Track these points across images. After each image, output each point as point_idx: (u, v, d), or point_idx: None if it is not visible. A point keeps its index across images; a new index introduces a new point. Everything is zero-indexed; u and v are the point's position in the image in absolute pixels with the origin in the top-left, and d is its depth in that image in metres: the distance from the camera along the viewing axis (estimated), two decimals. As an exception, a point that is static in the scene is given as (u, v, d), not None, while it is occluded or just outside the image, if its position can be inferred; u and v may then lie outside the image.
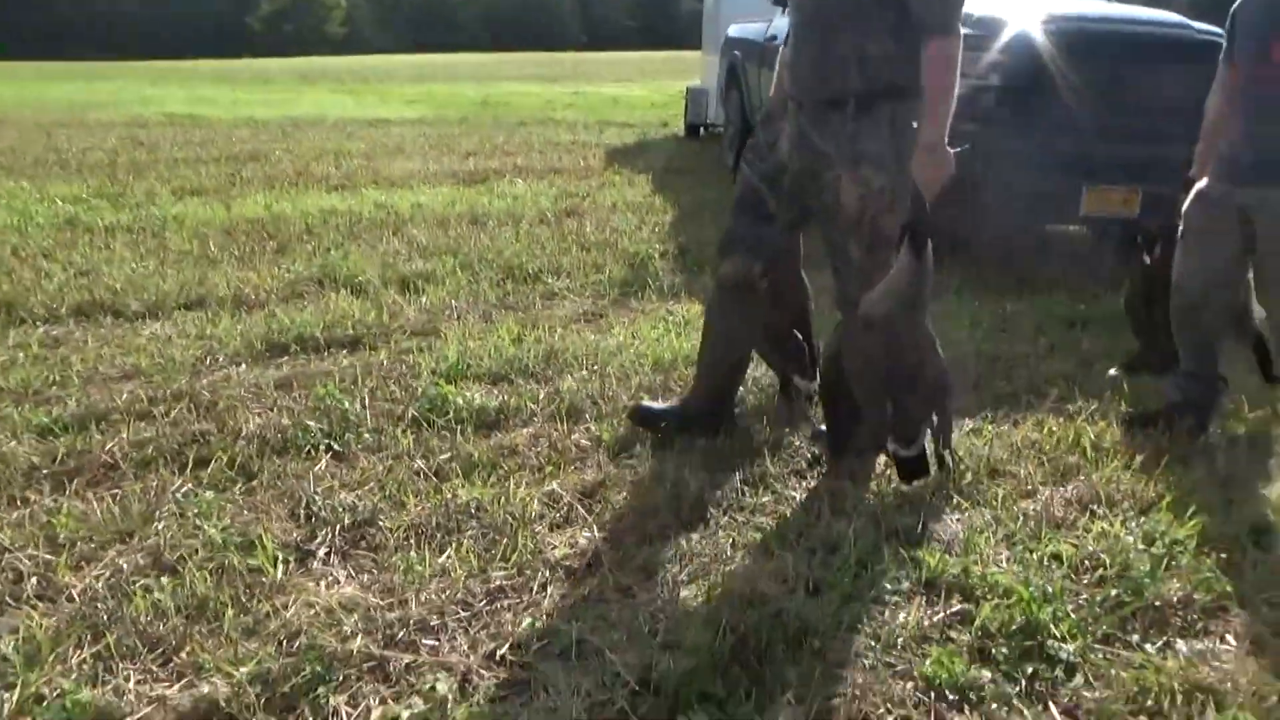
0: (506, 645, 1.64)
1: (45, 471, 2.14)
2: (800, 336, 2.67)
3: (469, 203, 5.61)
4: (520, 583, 1.83)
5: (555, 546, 1.95)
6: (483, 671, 1.58)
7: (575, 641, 1.65)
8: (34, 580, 1.73)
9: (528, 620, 1.71)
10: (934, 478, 2.27)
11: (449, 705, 1.48)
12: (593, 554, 1.93)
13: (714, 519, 2.11)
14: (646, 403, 2.54)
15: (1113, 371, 3.01)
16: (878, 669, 1.63)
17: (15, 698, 1.43)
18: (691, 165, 7.42)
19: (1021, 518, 2.14)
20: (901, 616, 1.76)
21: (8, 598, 1.70)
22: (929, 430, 2.27)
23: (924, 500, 2.21)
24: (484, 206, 5.53)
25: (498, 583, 1.82)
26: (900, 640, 1.70)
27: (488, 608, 1.75)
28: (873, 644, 1.69)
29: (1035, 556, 1.97)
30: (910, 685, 1.60)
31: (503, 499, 2.11)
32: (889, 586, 1.86)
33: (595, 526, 2.05)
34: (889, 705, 1.54)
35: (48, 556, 1.81)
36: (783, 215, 2.34)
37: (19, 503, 2.01)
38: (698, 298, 3.62)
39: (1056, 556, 1.98)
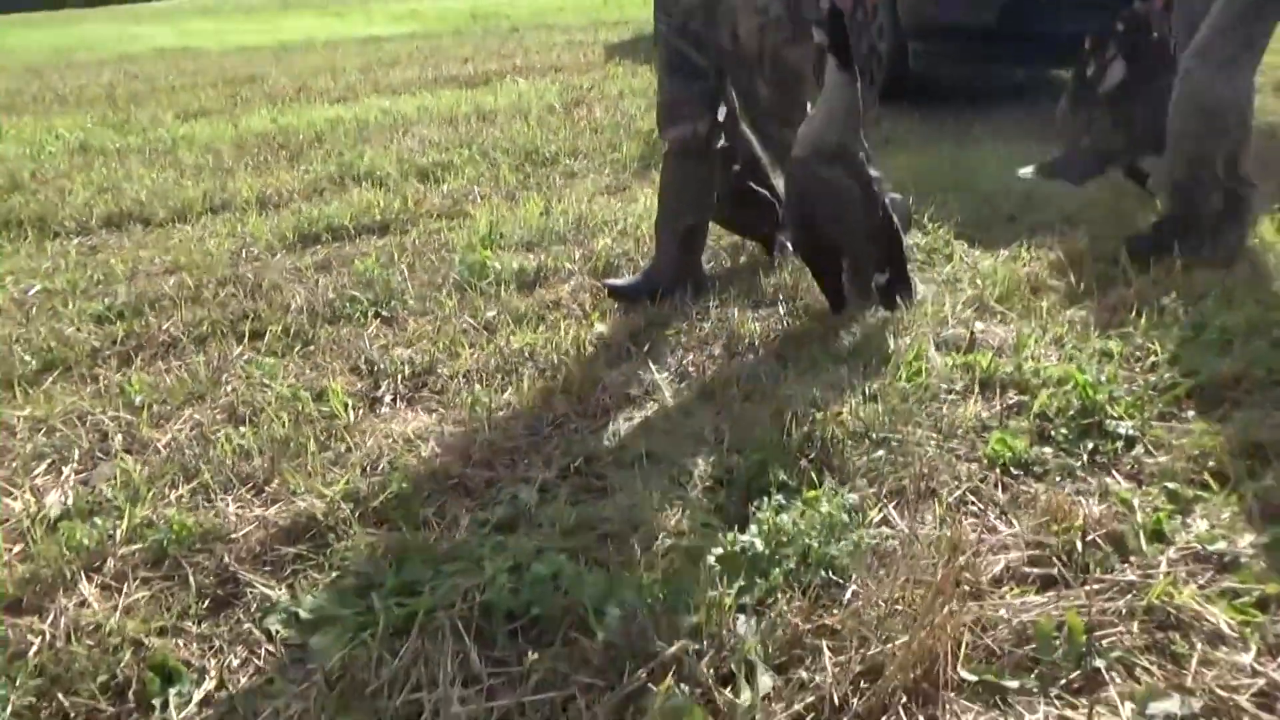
0: (579, 460, 1.70)
1: (108, 352, 2.20)
2: (762, 189, 2.58)
3: (474, 102, 5.55)
4: (583, 410, 1.89)
5: (612, 378, 2.00)
6: (559, 481, 1.64)
7: (645, 453, 1.70)
8: (119, 437, 1.80)
9: (596, 440, 1.77)
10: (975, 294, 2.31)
11: (532, 510, 1.55)
12: (650, 383, 1.98)
13: (764, 346, 2.16)
14: (613, 280, 2.47)
15: (1026, 171, 3.01)
16: (942, 453, 1.68)
17: (124, 526, 1.50)
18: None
19: (1068, 323, 2.18)
20: (960, 411, 1.81)
21: (97, 452, 1.77)
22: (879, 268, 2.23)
23: (970, 316, 2.24)
24: (490, 104, 5.47)
25: (562, 411, 1.88)
26: (960, 430, 1.75)
27: (555, 432, 1.81)
28: (934, 435, 1.74)
29: (1086, 353, 2.01)
30: (975, 465, 1.65)
31: (554, 343, 2.16)
32: (944, 387, 1.91)
33: (649, 359, 2.10)
34: (957, 481, 1.60)
35: (128, 417, 1.87)
36: (708, 64, 2.26)
37: (89, 379, 2.08)
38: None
39: (1106, 353, 2.02)
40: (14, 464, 1.74)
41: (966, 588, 1.31)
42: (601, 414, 1.88)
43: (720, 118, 2.32)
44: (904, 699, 1.14)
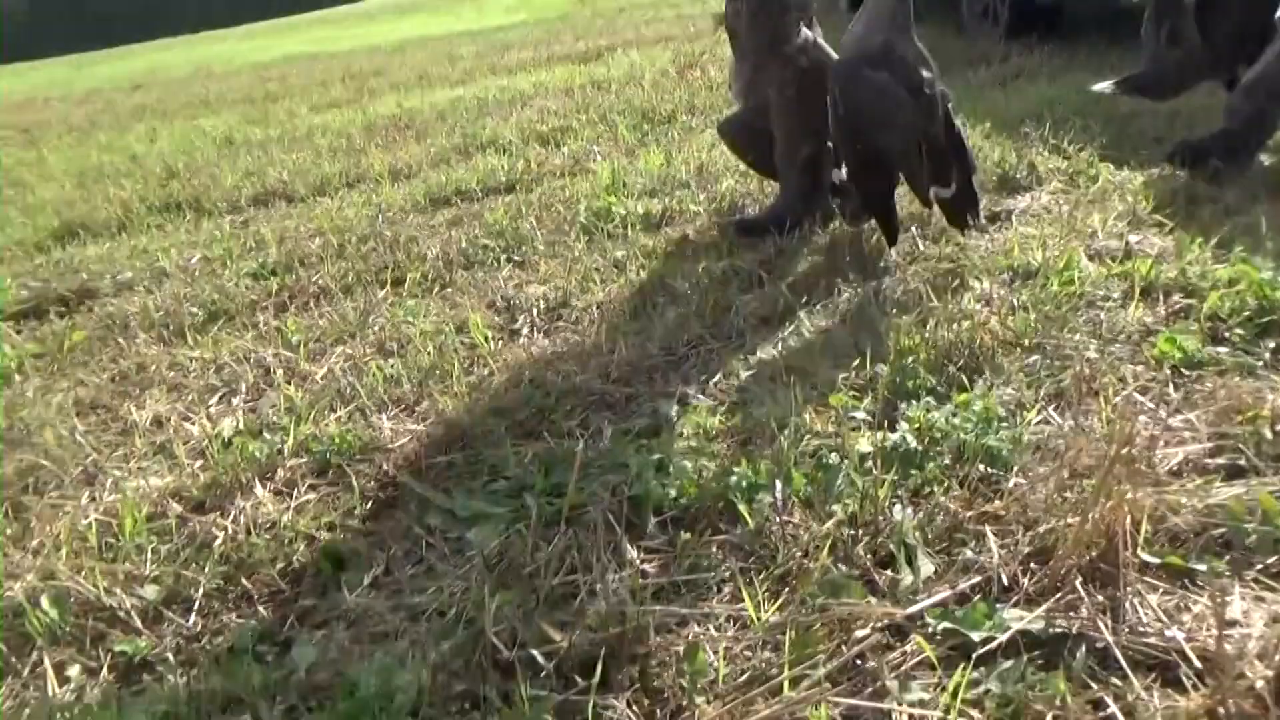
0: (717, 376, 1.70)
1: (266, 303, 2.33)
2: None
3: (588, 75, 5.62)
4: (718, 333, 1.88)
5: (746, 303, 1.98)
6: (699, 396, 1.64)
7: (784, 368, 1.68)
8: (280, 371, 1.91)
9: (733, 358, 1.76)
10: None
11: (673, 420, 1.55)
12: (784, 306, 1.96)
13: (899, 268, 2.10)
14: (738, 216, 2.48)
15: (1103, 86, 2.80)
16: (1104, 357, 1.59)
17: (291, 442, 1.59)
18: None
19: (1232, 225, 2.02)
20: (1120, 316, 1.71)
21: (262, 384, 1.89)
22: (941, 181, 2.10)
23: (1123, 228, 2.11)
24: (604, 75, 5.52)
25: (697, 333, 1.88)
26: (1123, 334, 1.66)
27: (691, 353, 1.81)
28: (1093, 341, 1.65)
29: (1259, 255, 1.86)
30: (1141, 368, 1.56)
31: (685, 273, 2.16)
32: (1100, 294, 1.81)
33: (782, 285, 2.07)
34: (1122, 382, 1.51)
35: (287, 354, 1.98)
36: None
37: (250, 325, 2.21)
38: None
39: (1281, 254, 1.87)
40: (189, 397, 1.86)
41: (1143, 476, 1.23)
42: (737, 336, 1.87)
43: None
44: (1079, 579, 1.09)
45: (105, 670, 1.15)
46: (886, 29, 2.04)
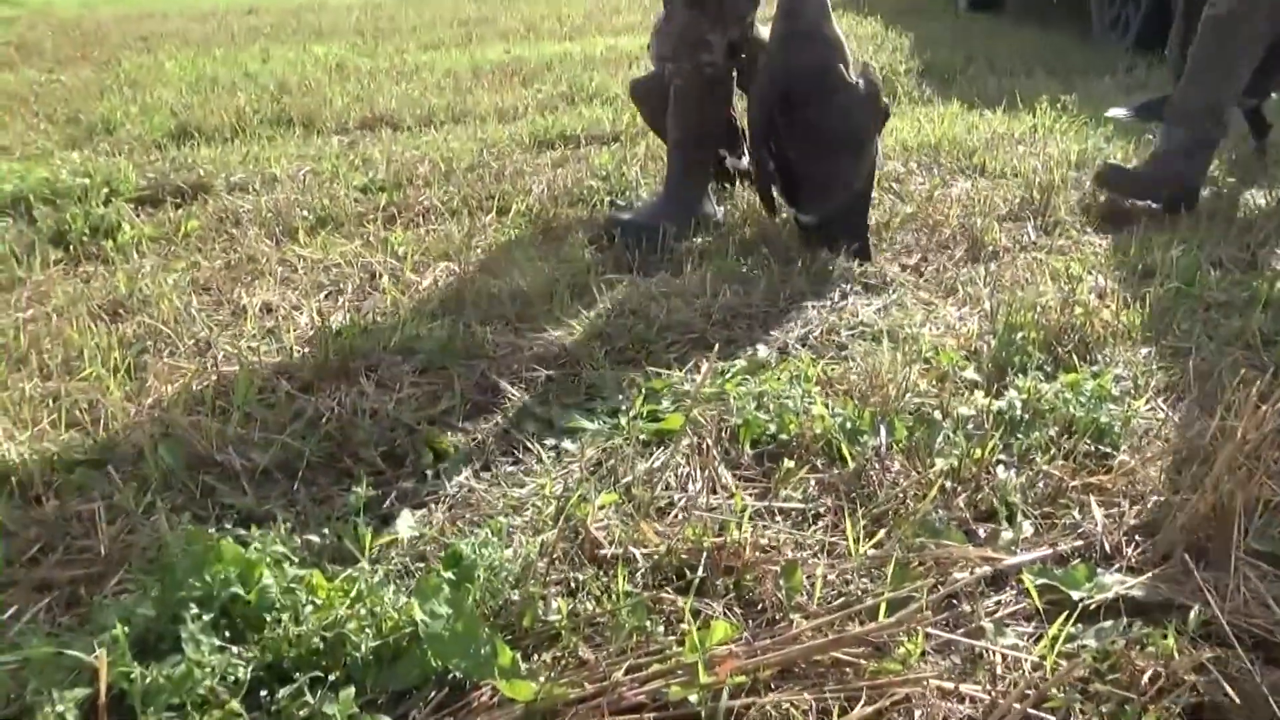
0: (818, 330, 1.70)
1: (373, 215, 2.39)
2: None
3: (697, 43, 5.59)
4: (821, 292, 1.88)
5: (851, 268, 1.98)
6: (798, 346, 1.65)
7: (886, 330, 1.68)
8: (386, 277, 1.96)
9: (834, 317, 1.76)
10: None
11: (773, 364, 1.56)
12: (891, 274, 1.95)
13: (1008, 253, 2.07)
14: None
15: (1117, 111, 2.72)
16: (1222, 356, 1.55)
17: (397, 337, 1.64)
18: (913, 3, 7.03)
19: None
20: (1241, 323, 1.67)
21: (368, 286, 1.94)
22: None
23: (1250, 240, 2.05)
24: (713, 45, 5.50)
25: (801, 289, 1.88)
26: (1245, 339, 1.62)
27: (792, 306, 1.82)
28: (1210, 342, 1.61)
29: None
30: (1256, 371, 1.52)
31: (792, 233, 2.16)
32: (1222, 299, 1.77)
33: (889, 253, 2.06)
34: (1243, 383, 1.47)
35: (393, 263, 2.04)
36: None
37: (358, 235, 2.27)
38: (948, 100, 3.51)
39: None
40: (298, 290, 1.93)
41: (1262, 465, 1.21)
42: (840, 297, 1.87)
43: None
44: (1186, 555, 1.07)
45: (213, 520, 1.21)
46: (817, 13, 1.97)
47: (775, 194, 2.12)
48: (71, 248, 2.18)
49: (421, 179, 2.71)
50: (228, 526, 1.16)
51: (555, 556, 1.08)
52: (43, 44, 6.32)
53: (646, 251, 2.07)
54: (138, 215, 2.42)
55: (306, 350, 1.64)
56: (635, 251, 2.06)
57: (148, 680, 0.83)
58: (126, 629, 0.88)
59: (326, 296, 1.92)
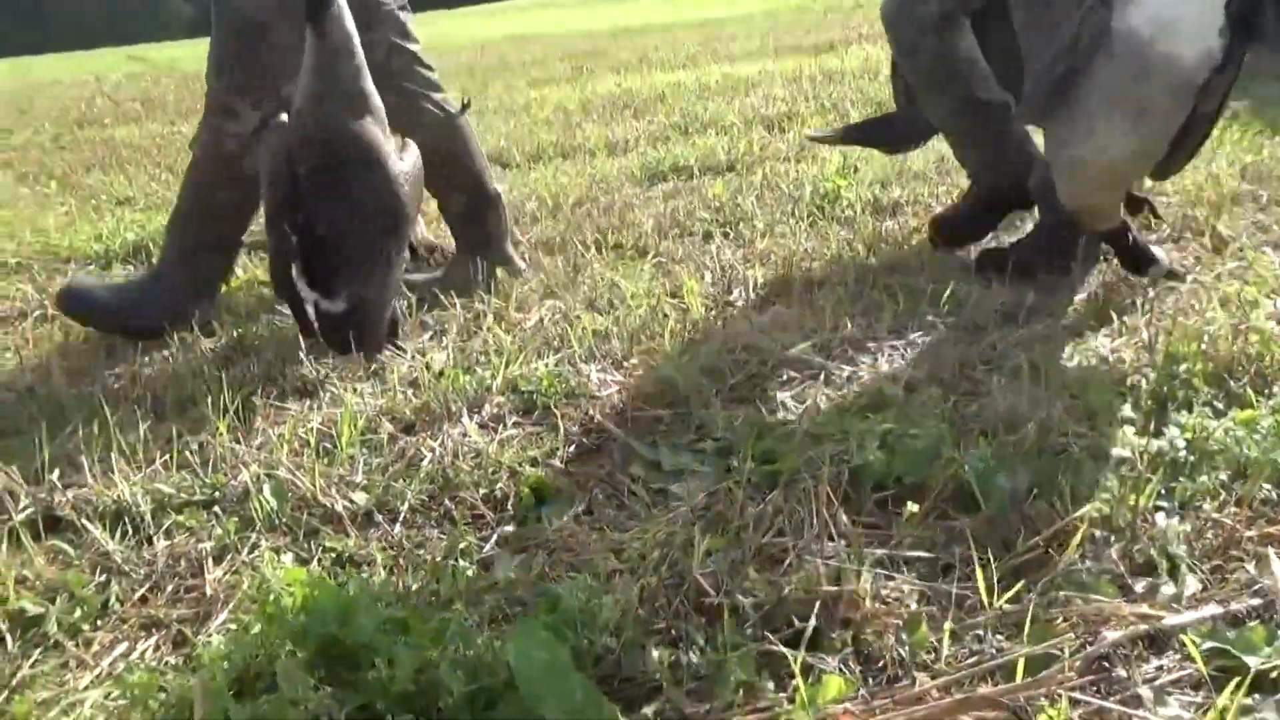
0: (951, 364, 1.66)
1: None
2: None
3: (819, 66, 5.62)
4: (955, 323, 1.84)
5: (989, 297, 1.93)
6: (927, 382, 1.61)
7: (1028, 364, 1.62)
8: (490, 316, 2.03)
9: (970, 349, 1.72)
10: None
11: (900, 400, 1.54)
12: (1032, 302, 1.89)
13: (1171, 283, 1.98)
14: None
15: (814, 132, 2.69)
16: None
17: (499, 379, 1.70)
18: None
19: None
20: None
21: (471, 326, 2.02)
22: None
23: None
24: (836, 66, 5.51)
25: (930, 320, 1.85)
26: None
27: (924, 339, 1.79)
28: None
29: None
30: None
31: (920, 263, 2.13)
32: None
33: (1028, 281, 2.01)
34: None
35: (497, 301, 2.11)
36: None
37: (462, 273, 2.36)
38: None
39: None
40: (402, 330, 2.02)
41: None
42: (974, 328, 1.82)
43: None
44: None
45: (315, 562, 1.27)
46: (353, 72, 1.82)
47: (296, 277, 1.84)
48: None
49: (529, 215, 2.81)
50: (327, 566, 1.22)
51: (658, 604, 1.08)
52: (166, 97, 6.88)
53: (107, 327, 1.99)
54: (251, 259, 2.58)
55: (410, 391, 1.71)
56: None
57: (242, 717, 0.88)
58: (225, 665, 0.93)
59: (430, 337, 2.00)
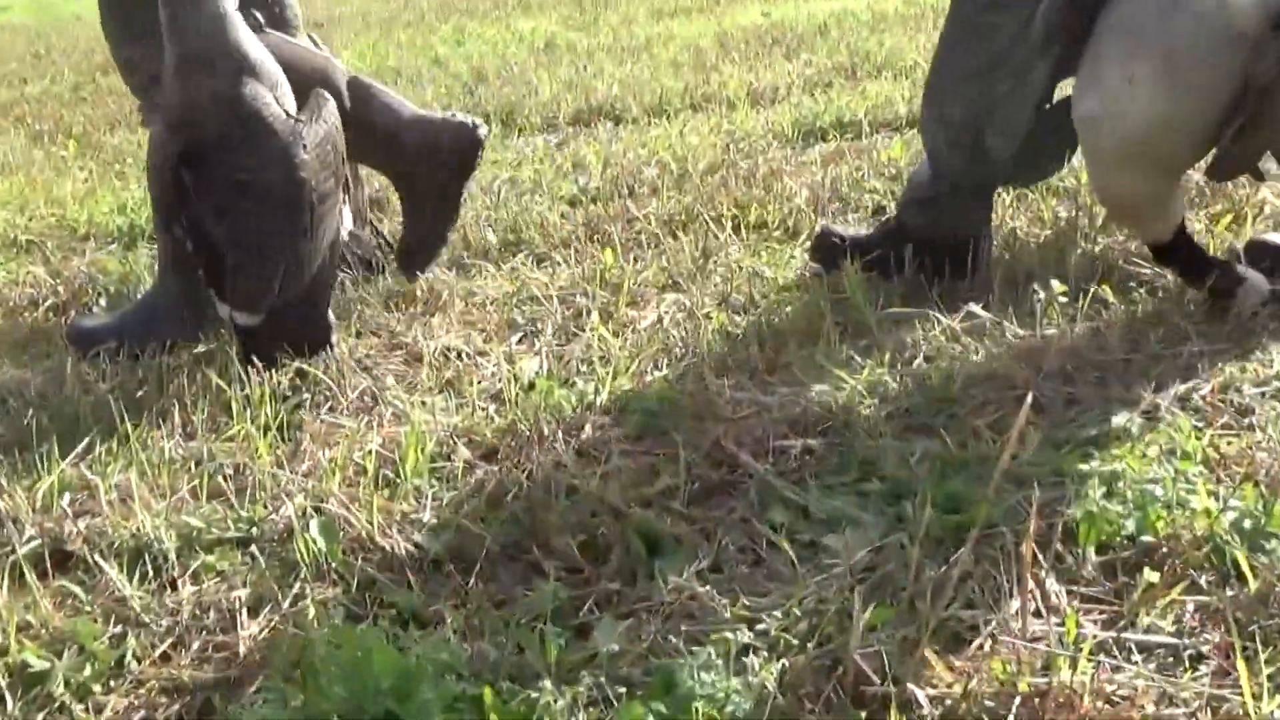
0: (1206, 386, 1.62)
1: (581, 234, 2.54)
2: None
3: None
4: (1214, 333, 1.79)
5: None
6: (1175, 407, 1.58)
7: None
8: (596, 314, 2.07)
9: (1232, 365, 1.67)
10: None
11: (1135, 434, 1.50)
12: None
13: None
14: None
15: None
16: None
17: (604, 396, 1.73)
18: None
19: None
20: None
21: (572, 326, 2.06)
22: None
23: None
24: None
25: (1181, 329, 1.81)
26: None
27: (1169, 353, 1.74)
28: None
29: None
30: None
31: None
32: None
33: None
34: None
35: (605, 295, 2.15)
36: None
37: (561, 260, 2.42)
38: None
39: None
40: (485, 331, 2.08)
41: None
42: (1240, 339, 1.76)
43: None
44: None
45: (370, 618, 1.32)
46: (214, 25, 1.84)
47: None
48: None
49: (647, 185, 2.86)
50: (385, 625, 1.26)
51: (804, 691, 1.08)
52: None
53: None
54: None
55: (492, 408, 1.77)
56: (937, 278, 2.05)
57: (281, 809, 0.92)
58: (261, 744, 0.98)
59: (520, 340, 2.05)
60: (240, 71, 1.84)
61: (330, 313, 2.01)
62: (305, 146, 1.86)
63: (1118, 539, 1.28)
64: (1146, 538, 1.27)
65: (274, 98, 1.87)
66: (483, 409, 1.76)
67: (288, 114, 1.88)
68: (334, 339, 1.98)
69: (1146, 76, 1.64)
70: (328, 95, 1.97)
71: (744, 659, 1.14)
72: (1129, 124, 1.68)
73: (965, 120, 1.95)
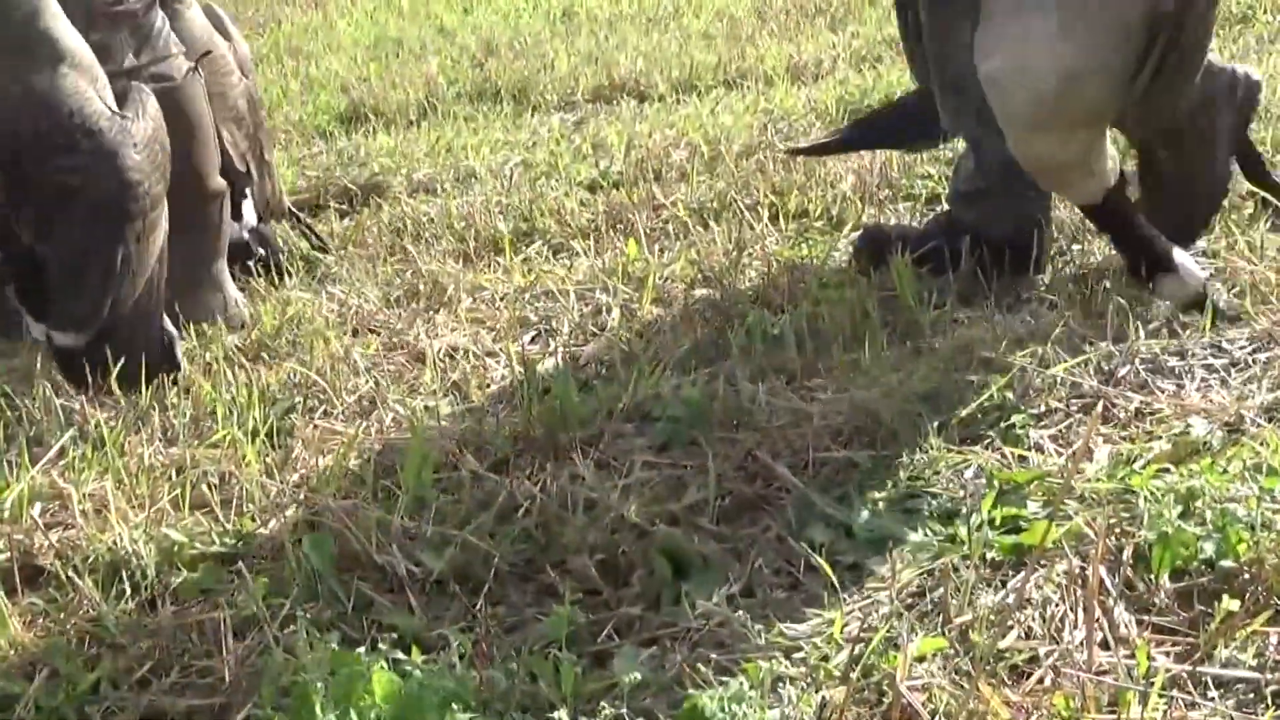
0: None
1: (601, 223, 2.57)
2: None
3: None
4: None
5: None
6: (1261, 418, 1.58)
7: None
8: (616, 312, 2.10)
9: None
10: None
11: (1218, 448, 1.50)
12: None
13: None
14: None
15: None
16: None
17: (626, 400, 1.75)
18: None
19: None
20: None
21: (590, 324, 2.08)
22: None
23: None
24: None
25: (1267, 329, 1.80)
26: None
27: (1256, 355, 1.75)
28: None
29: None
30: None
31: (1253, 243, 2.08)
32: None
33: None
34: None
35: (628, 290, 2.17)
36: None
37: (579, 250, 2.44)
38: None
39: None
40: (495, 329, 2.10)
41: None
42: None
43: None
44: None
45: (367, 642, 1.34)
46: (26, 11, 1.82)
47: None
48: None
49: (675, 169, 2.88)
50: (384, 650, 1.28)
51: (846, 727, 1.10)
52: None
53: None
54: (293, 227, 2.73)
55: (502, 413, 1.78)
56: (994, 272, 2.06)
57: (271, 846, 0.94)
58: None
59: (533, 339, 2.07)
60: (58, 60, 1.83)
61: (169, 324, 1.99)
62: (135, 146, 1.85)
63: (1194, 563, 1.28)
64: (1226, 562, 1.27)
65: (95, 92, 1.86)
66: (491, 415, 1.77)
67: (111, 110, 1.87)
68: (178, 355, 1.97)
69: (1046, 28, 1.64)
70: (148, 91, 1.96)
71: (779, 690, 1.16)
72: (1036, 82, 1.69)
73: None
